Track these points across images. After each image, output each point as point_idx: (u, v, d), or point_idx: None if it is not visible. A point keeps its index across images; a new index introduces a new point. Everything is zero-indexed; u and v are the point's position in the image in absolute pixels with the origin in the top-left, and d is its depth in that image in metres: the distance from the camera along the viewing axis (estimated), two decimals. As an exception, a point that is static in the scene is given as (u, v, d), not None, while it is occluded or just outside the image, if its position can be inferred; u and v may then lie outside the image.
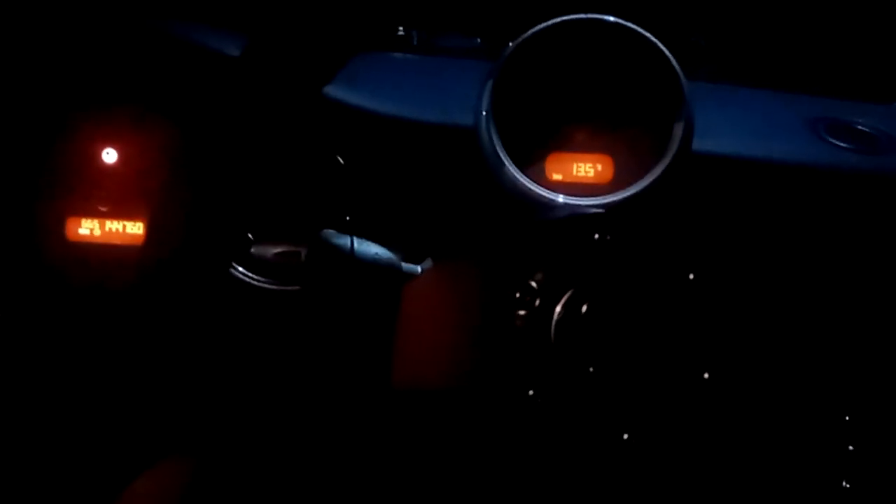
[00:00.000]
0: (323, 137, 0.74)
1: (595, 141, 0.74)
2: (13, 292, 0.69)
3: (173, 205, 0.68)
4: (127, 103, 0.72)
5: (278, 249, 0.70)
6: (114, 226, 0.72)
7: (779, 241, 0.72)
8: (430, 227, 0.75)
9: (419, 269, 0.70)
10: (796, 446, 0.65)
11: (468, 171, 0.72)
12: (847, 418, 0.66)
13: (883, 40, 0.82)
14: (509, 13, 0.79)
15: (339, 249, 0.67)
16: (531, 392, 0.59)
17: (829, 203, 0.73)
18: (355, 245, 0.68)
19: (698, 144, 0.71)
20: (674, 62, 0.69)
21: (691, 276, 0.60)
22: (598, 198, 0.69)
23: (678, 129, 0.69)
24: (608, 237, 0.61)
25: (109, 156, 0.73)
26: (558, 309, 0.60)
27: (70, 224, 0.72)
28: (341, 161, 0.73)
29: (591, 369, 0.58)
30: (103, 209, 0.73)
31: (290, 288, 0.70)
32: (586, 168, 0.73)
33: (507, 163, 0.69)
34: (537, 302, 0.60)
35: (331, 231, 0.69)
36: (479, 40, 0.84)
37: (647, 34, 0.70)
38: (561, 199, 0.69)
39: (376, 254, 0.68)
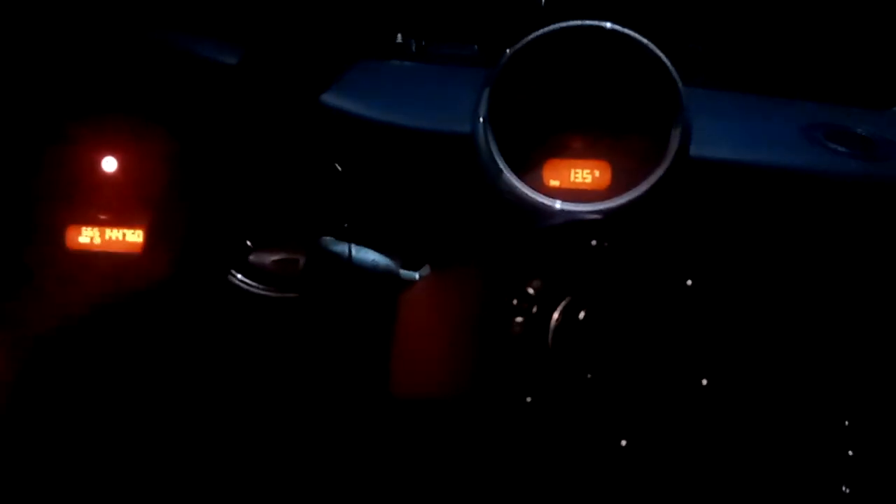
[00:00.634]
0: (320, 145, 0.74)
1: (592, 147, 0.74)
2: (13, 300, 0.70)
3: (173, 213, 0.69)
4: (126, 112, 0.73)
5: (277, 257, 0.70)
6: (114, 234, 0.73)
7: (777, 248, 0.72)
8: (427, 235, 0.76)
9: (417, 276, 0.70)
10: (795, 452, 0.65)
11: (465, 178, 0.72)
12: (846, 423, 0.66)
13: (881, 45, 0.82)
14: (506, 20, 0.79)
15: (337, 257, 0.67)
16: (529, 399, 0.59)
17: (828, 209, 0.73)
18: (353, 252, 0.68)
19: (696, 150, 0.71)
20: (671, 68, 0.69)
21: (689, 283, 0.60)
22: (596, 204, 0.69)
23: (675, 135, 0.69)
24: (605, 244, 0.61)
25: (109, 164, 0.73)
26: (556, 316, 0.60)
27: (70, 232, 0.73)
28: (339, 169, 0.73)
29: (589, 376, 0.58)
30: (103, 217, 0.73)
31: (288, 295, 0.70)
32: (584, 174, 0.73)
33: (504, 169, 0.69)
34: (535, 309, 0.60)
35: (329, 238, 0.69)
36: (476, 47, 0.84)
37: (645, 40, 0.70)
38: (558, 205, 0.69)
39: (374, 261, 0.68)
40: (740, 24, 0.81)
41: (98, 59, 0.75)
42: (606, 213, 0.68)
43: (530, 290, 0.60)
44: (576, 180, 0.73)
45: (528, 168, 0.72)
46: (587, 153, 0.74)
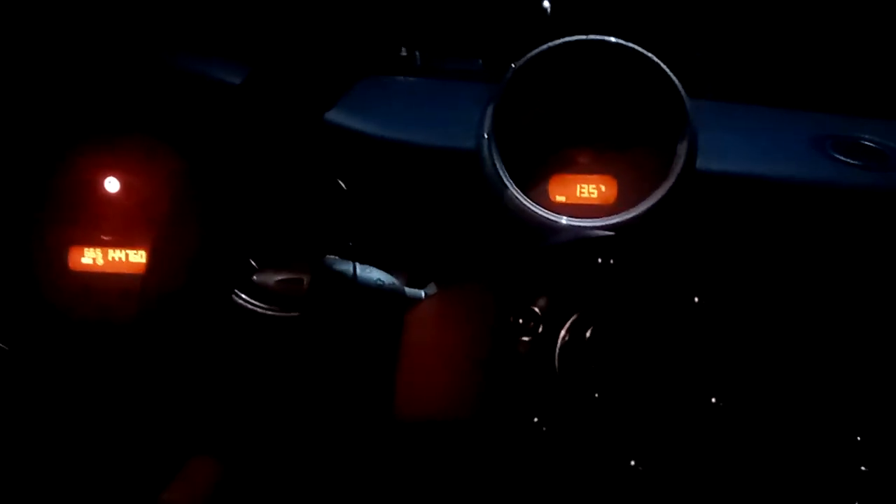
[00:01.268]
0: (325, 163, 0.74)
1: (598, 162, 0.73)
2: (15, 322, 0.69)
3: (176, 233, 0.68)
4: (129, 132, 0.72)
5: (281, 276, 0.69)
6: (117, 255, 0.72)
7: (786, 261, 0.71)
8: (432, 252, 0.75)
9: (422, 294, 0.69)
10: (807, 469, 0.64)
11: (470, 194, 0.71)
12: (859, 439, 0.65)
13: (888, 55, 0.81)
14: (511, 35, 0.79)
15: (341, 276, 0.67)
16: (536, 419, 0.58)
17: (837, 221, 0.73)
18: (358, 271, 0.67)
19: (702, 163, 0.70)
20: (676, 81, 0.69)
21: (697, 299, 0.59)
22: (602, 219, 0.68)
23: (682, 149, 0.69)
24: (612, 260, 0.60)
25: (112, 185, 0.73)
26: (562, 334, 0.59)
27: (73, 253, 0.72)
28: (343, 186, 0.73)
29: (597, 395, 0.57)
30: (106, 238, 0.73)
31: (292, 315, 0.69)
32: (590, 189, 0.73)
33: (509, 185, 0.69)
34: (541, 328, 0.59)
35: (333, 257, 0.68)
36: (480, 62, 0.84)
37: (649, 54, 0.69)
38: (564, 220, 0.69)
39: (379, 280, 0.68)
40: (746, 36, 0.81)
41: (101, 79, 0.75)
42: (613, 229, 0.67)
43: (536, 309, 0.60)
44: (582, 195, 0.73)
45: (534, 184, 0.72)
46: (593, 168, 0.73)
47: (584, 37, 0.70)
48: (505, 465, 0.59)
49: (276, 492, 0.69)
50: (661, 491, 0.57)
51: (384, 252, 0.71)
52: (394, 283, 0.69)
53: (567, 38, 0.70)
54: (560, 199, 0.73)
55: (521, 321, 0.59)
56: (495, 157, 0.70)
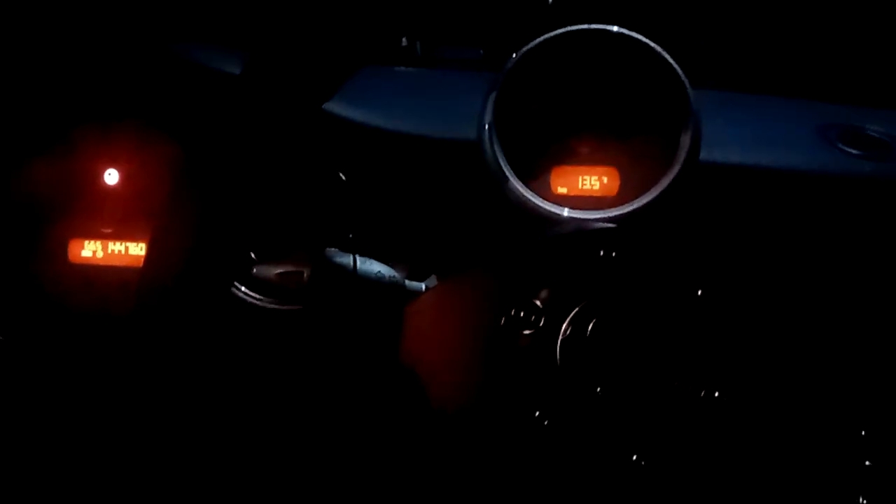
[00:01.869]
0: (324, 154, 0.73)
1: (600, 153, 0.73)
2: (15, 315, 0.69)
3: (175, 225, 0.68)
4: (128, 123, 0.72)
5: (281, 269, 0.69)
6: (116, 247, 0.72)
7: (790, 253, 0.71)
8: (433, 244, 0.75)
9: (423, 286, 0.69)
10: (810, 463, 0.64)
11: (471, 185, 0.71)
12: (863, 434, 0.64)
13: (893, 44, 0.80)
14: (512, 24, 0.78)
15: (342, 268, 0.67)
16: (537, 413, 0.58)
17: (842, 212, 0.72)
18: (358, 263, 0.67)
19: (706, 154, 0.70)
20: (679, 71, 0.68)
21: (700, 292, 0.58)
22: (604, 211, 0.68)
23: (685, 139, 0.68)
24: (614, 253, 0.60)
25: (111, 177, 0.73)
26: (564, 327, 0.59)
27: (72, 246, 0.72)
28: (343, 178, 0.72)
29: (598, 389, 0.57)
30: (106, 230, 0.72)
31: (292, 308, 0.69)
32: (592, 181, 0.72)
33: (510, 176, 0.69)
34: (543, 320, 0.59)
35: (333, 250, 0.68)
36: (481, 52, 0.83)
37: (652, 44, 0.69)
38: (566, 212, 0.68)
39: (379, 272, 0.67)
40: (750, 25, 0.80)
41: (100, 70, 0.74)
42: (615, 221, 0.67)
43: (538, 302, 0.59)
44: (584, 187, 0.73)
45: (536, 175, 0.71)
46: (595, 159, 0.73)
47: (585, 26, 0.69)
48: (506, 458, 0.59)
49: (278, 481, 0.69)
50: (662, 485, 0.57)
51: (384, 244, 0.71)
52: (394, 276, 0.68)
53: (569, 28, 0.69)
54: (562, 190, 0.73)
55: (522, 314, 0.59)
56: (496, 148, 0.69)
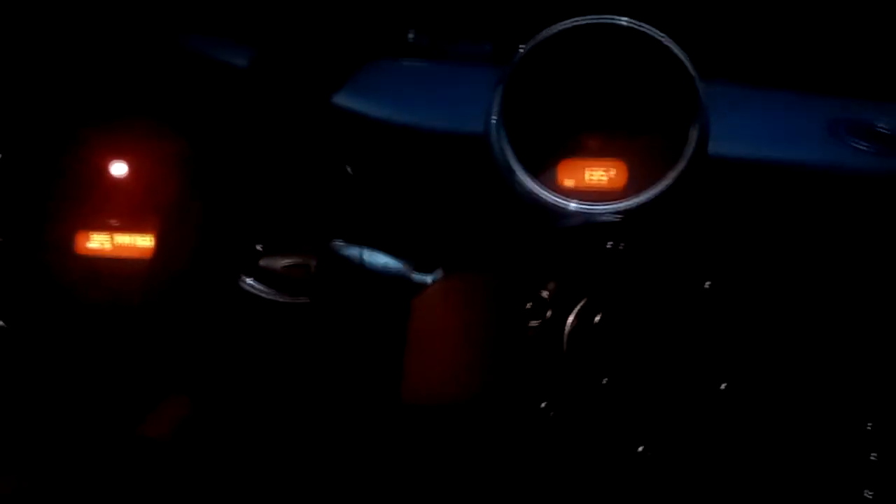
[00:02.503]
0: (331, 147, 0.73)
1: (608, 146, 0.73)
2: (23, 306, 0.69)
3: (183, 217, 0.68)
4: (136, 116, 0.72)
5: (287, 261, 0.69)
6: (124, 239, 0.72)
7: (798, 247, 0.70)
8: (440, 237, 0.75)
9: (430, 279, 0.69)
10: (817, 456, 0.64)
11: (479, 178, 0.71)
12: (869, 426, 0.64)
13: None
14: (520, 17, 0.78)
15: (348, 260, 0.67)
16: (544, 404, 0.58)
17: (851, 206, 0.72)
18: (365, 256, 0.67)
19: (714, 148, 0.69)
20: (688, 64, 0.68)
21: (707, 285, 0.58)
22: (612, 204, 0.68)
23: (693, 133, 0.68)
24: (621, 245, 0.59)
25: (119, 169, 0.73)
26: (571, 319, 0.59)
27: (79, 238, 0.72)
28: (350, 171, 0.72)
29: (605, 380, 0.57)
30: (113, 223, 0.73)
31: (299, 300, 0.69)
32: (599, 174, 0.72)
33: (518, 170, 0.68)
34: (549, 312, 0.59)
35: (340, 242, 0.68)
36: (489, 45, 0.83)
37: (661, 36, 0.68)
38: (573, 205, 0.68)
39: (386, 264, 0.67)
40: (760, 18, 0.79)
41: (108, 63, 0.75)
42: (622, 214, 0.66)
43: (545, 294, 0.59)
44: (591, 180, 0.72)
45: (543, 168, 0.71)
46: (602, 152, 0.73)
47: (594, 18, 0.69)
48: (513, 449, 0.59)
49: (283, 474, 0.69)
50: (669, 476, 0.57)
51: (391, 237, 0.71)
52: (401, 268, 0.68)
53: (577, 20, 0.69)
54: (569, 183, 0.72)
55: (529, 306, 0.59)
56: (504, 141, 0.69)
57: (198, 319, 0.67)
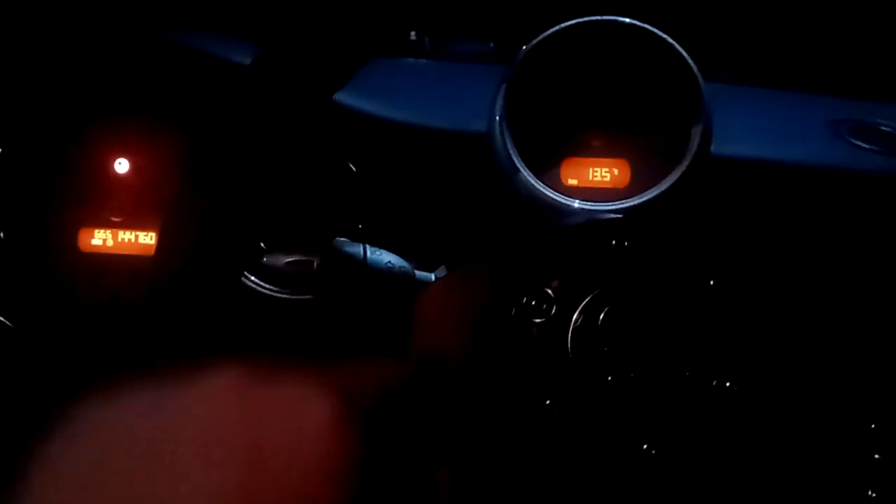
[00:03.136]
0: (334, 145, 0.73)
1: (611, 145, 0.73)
2: (25, 303, 0.69)
3: (185, 214, 0.68)
4: (138, 113, 0.72)
5: (290, 259, 0.69)
6: (126, 236, 0.72)
7: (802, 246, 0.70)
8: (443, 235, 0.75)
9: (433, 277, 0.69)
10: (821, 455, 0.63)
11: (482, 177, 0.71)
12: (873, 426, 0.64)
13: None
14: (523, 17, 0.78)
15: (351, 258, 0.67)
16: (548, 402, 0.57)
17: (854, 206, 0.72)
18: (368, 254, 0.67)
19: (717, 147, 0.69)
20: (691, 64, 0.68)
21: (712, 283, 0.58)
22: (615, 203, 0.68)
23: (696, 133, 0.68)
24: (626, 243, 0.59)
25: (122, 166, 0.73)
26: (575, 317, 0.58)
27: (82, 235, 0.72)
28: (353, 169, 0.72)
29: (610, 378, 0.57)
30: (116, 219, 0.73)
31: (302, 297, 0.69)
32: (602, 173, 0.72)
33: (521, 168, 0.68)
34: (553, 310, 0.59)
35: (343, 240, 0.68)
36: (492, 44, 0.83)
37: (664, 35, 0.68)
38: (577, 204, 0.68)
39: (389, 262, 0.67)
40: (762, 18, 0.79)
41: (110, 60, 0.74)
42: (626, 213, 0.67)
43: (549, 291, 0.59)
44: (594, 179, 0.72)
45: (546, 167, 0.71)
46: (606, 151, 0.73)
47: (597, 17, 0.69)
48: (517, 446, 0.59)
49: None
50: (673, 475, 0.57)
51: (394, 235, 0.71)
52: (404, 266, 0.68)
53: (580, 19, 0.69)
54: (572, 182, 0.72)
55: (533, 303, 0.59)
56: (507, 139, 0.69)
57: (201, 317, 0.67)
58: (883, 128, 0.76)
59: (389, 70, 0.78)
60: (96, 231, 0.72)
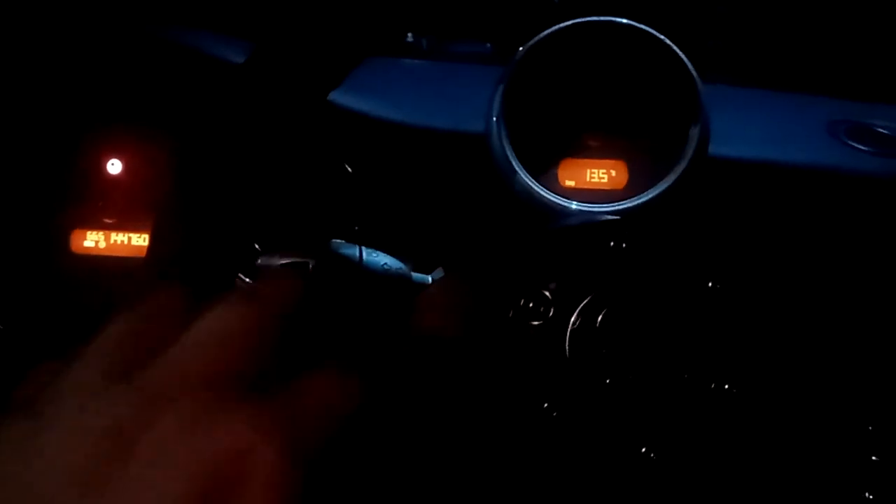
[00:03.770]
0: (330, 145, 0.73)
1: (609, 146, 0.72)
2: (17, 305, 0.69)
3: (178, 216, 0.67)
4: (131, 114, 0.72)
5: (285, 260, 0.68)
6: (119, 238, 0.72)
7: (799, 247, 0.70)
8: (440, 236, 0.74)
9: (430, 279, 0.68)
10: (819, 457, 0.63)
11: (479, 178, 0.70)
12: (870, 429, 0.64)
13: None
14: (520, 17, 0.78)
15: (347, 260, 0.66)
16: (546, 405, 0.57)
17: (851, 208, 0.72)
18: (364, 255, 0.66)
19: (715, 149, 0.69)
20: (689, 65, 0.68)
21: (710, 284, 0.58)
22: (613, 204, 0.67)
23: (694, 134, 0.68)
24: (623, 244, 0.59)
25: (114, 167, 0.72)
26: (573, 319, 0.58)
27: (75, 236, 0.72)
28: (349, 169, 0.72)
29: (608, 381, 0.56)
30: (108, 221, 0.72)
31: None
32: (600, 174, 0.72)
33: (518, 169, 0.68)
34: (551, 312, 0.58)
35: (339, 241, 0.67)
36: (489, 45, 0.82)
37: (662, 37, 0.68)
38: (574, 205, 0.68)
39: (385, 264, 0.67)
40: (759, 19, 0.79)
41: (103, 60, 0.74)
42: (623, 214, 0.66)
43: (546, 293, 0.59)
44: (592, 180, 0.72)
45: (543, 168, 0.71)
46: (603, 153, 0.72)
47: (594, 18, 0.69)
48: (515, 450, 0.59)
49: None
50: (672, 478, 0.56)
51: (391, 236, 0.70)
52: (400, 268, 0.67)
53: (577, 20, 0.69)
54: (570, 183, 0.72)
55: (531, 305, 0.58)
56: (504, 140, 0.69)
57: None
58: (879, 129, 0.76)
59: (386, 70, 0.78)
60: (89, 233, 0.72)
